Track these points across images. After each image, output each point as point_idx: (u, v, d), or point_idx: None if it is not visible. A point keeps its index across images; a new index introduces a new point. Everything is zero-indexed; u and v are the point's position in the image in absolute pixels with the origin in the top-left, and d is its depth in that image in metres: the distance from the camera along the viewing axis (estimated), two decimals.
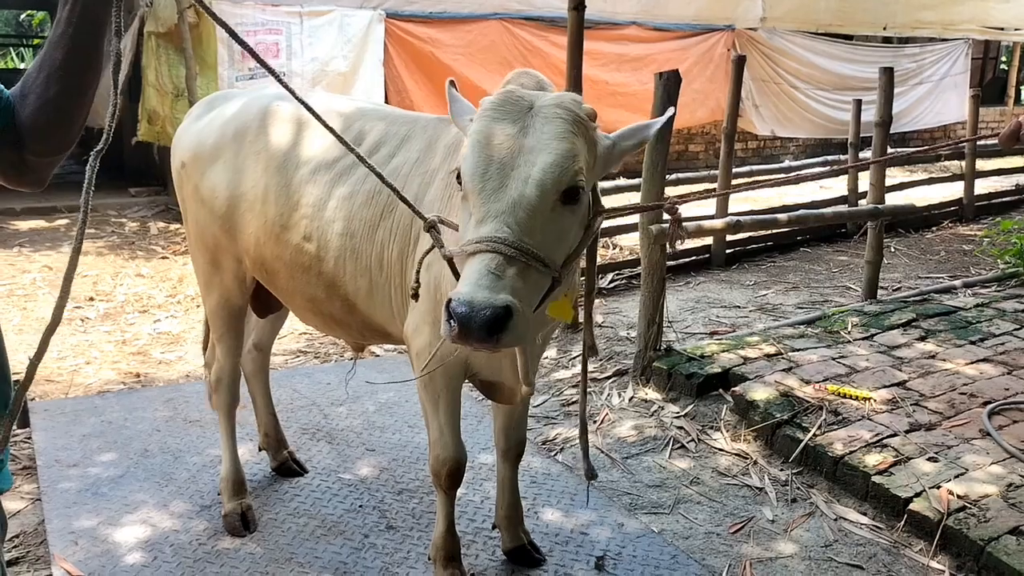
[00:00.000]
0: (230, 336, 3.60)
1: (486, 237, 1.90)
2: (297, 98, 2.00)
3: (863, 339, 5.88)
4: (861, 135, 9.17)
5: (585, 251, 2.31)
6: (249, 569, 3.37)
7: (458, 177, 2.08)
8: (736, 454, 4.63)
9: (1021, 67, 18.86)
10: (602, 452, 4.66)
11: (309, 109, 2.04)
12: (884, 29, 15.35)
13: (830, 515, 4.06)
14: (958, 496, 3.88)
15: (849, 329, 6.04)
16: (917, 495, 3.93)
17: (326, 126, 2.10)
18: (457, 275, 2.16)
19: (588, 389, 4.00)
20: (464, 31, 11.80)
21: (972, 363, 5.40)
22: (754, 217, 6.72)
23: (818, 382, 5.05)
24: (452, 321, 1.82)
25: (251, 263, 3.37)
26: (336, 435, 4.74)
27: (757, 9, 14.20)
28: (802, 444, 4.47)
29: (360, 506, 3.94)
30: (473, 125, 2.11)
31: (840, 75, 15.36)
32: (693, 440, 4.78)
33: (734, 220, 6.10)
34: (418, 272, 2.41)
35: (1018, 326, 6.07)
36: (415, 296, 2.39)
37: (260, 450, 4.21)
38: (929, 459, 4.22)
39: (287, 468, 4.17)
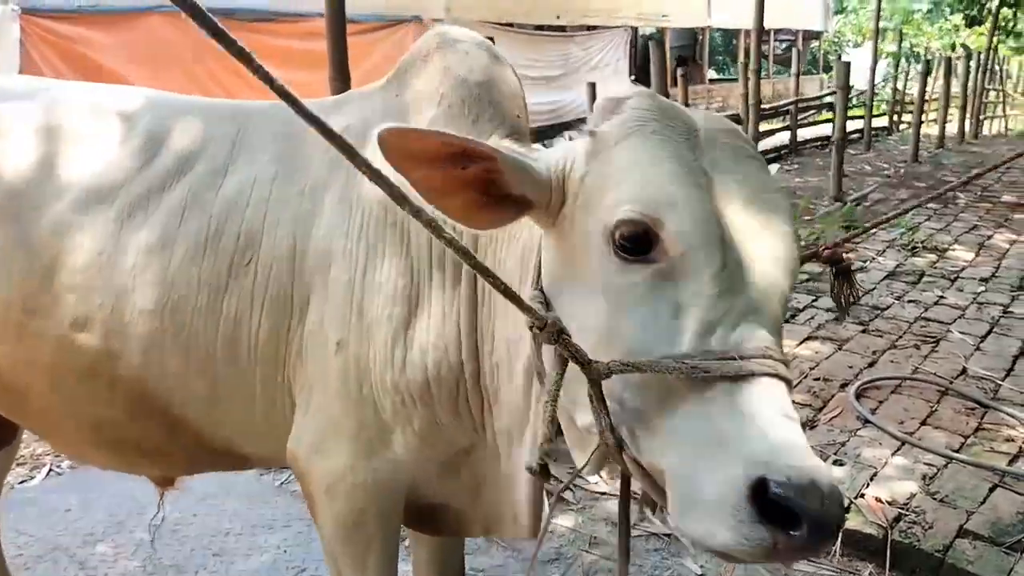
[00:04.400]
0: None
1: (757, 350, 1.19)
2: (301, 108, 1.09)
3: None
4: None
5: None
6: None
7: (616, 232, 1.29)
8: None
9: (673, 53, 20.50)
10: None
11: (319, 124, 1.08)
12: (558, 18, 15.77)
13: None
14: (888, 503, 3.51)
15: None
16: (846, 511, 3.48)
17: (343, 146, 1.06)
18: (599, 398, 1.29)
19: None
20: (123, 28, 10.00)
21: (801, 343, 5.21)
22: None
23: None
24: (794, 529, 1.06)
25: None
26: None
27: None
28: None
29: None
30: (640, 148, 1.33)
31: (521, 64, 15.50)
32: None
33: None
34: (551, 419, 1.32)
35: (814, 296, 6.04)
36: (539, 472, 1.30)
37: None
38: (835, 463, 3.84)
39: None
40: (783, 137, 14.40)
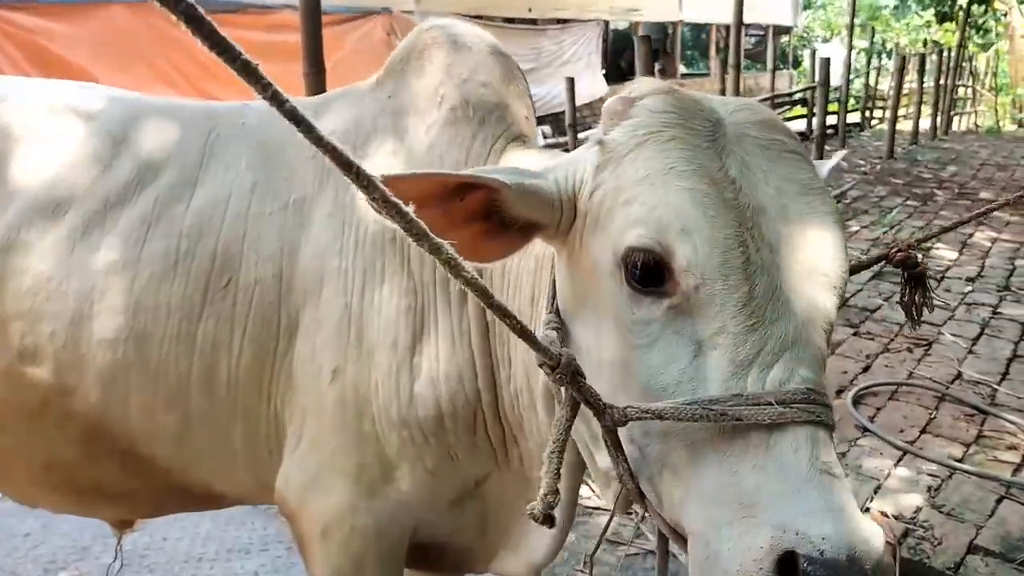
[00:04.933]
0: None
1: (797, 393, 1.02)
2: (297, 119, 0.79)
3: None
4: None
5: None
6: None
7: (627, 260, 1.12)
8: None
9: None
10: None
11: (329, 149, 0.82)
12: (529, 11, 15.59)
13: None
14: (895, 517, 3.38)
15: None
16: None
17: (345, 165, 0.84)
18: (615, 445, 1.14)
19: None
20: (84, 19, 9.63)
21: None
22: None
23: None
24: None
25: None
26: None
27: None
28: None
29: None
30: (653, 159, 1.14)
31: None
32: None
33: None
34: (556, 472, 1.07)
35: None
36: (544, 520, 1.06)
37: None
38: None
39: None
40: None
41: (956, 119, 19.75)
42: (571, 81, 8.50)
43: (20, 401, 1.74)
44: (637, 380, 1.12)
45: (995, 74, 24.70)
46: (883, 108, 20.51)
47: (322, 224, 1.68)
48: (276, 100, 0.74)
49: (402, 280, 1.63)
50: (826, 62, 9.78)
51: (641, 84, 1.24)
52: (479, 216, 1.19)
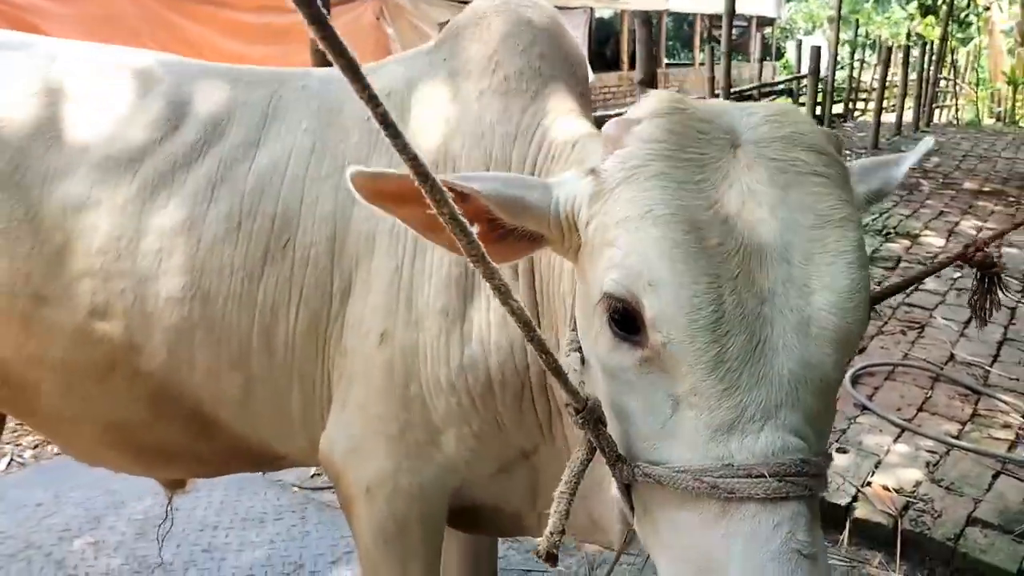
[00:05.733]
0: None
1: (791, 464, 0.95)
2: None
3: None
4: None
5: None
6: None
7: (606, 302, 1.06)
8: None
9: (631, 36, 20.44)
10: None
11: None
12: None
13: None
14: (896, 491, 3.48)
15: None
16: (854, 500, 3.46)
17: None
18: (626, 496, 1.12)
19: None
20: None
21: None
22: None
23: None
24: None
25: None
26: None
27: None
28: None
29: None
30: (634, 200, 1.03)
31: None
32: None
33: None
34: (565, 512, 1.07)
35: None
36: (547, 558, 1.05)
37: None
38: (838, 450, 3.79)
39: None
40: None
41: (937, 112, 19.97)
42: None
43: (89, 360, 1.76)
44: (626, 420, 1.09)
45: (976, 69, 24.98)
46: (866, 100, 20.72)
47: None
48: (372, 102, 0.77)
49: None
50: (816, 51, 9.88)
51: (646, 102, 1.13)
52: (481, 218, 1.12)
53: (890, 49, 16.10)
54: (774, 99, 16.51)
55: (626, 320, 1.02)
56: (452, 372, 1.62)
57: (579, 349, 1.21)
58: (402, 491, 1.71)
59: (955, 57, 23.46)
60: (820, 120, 15.37)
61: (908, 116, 16.45)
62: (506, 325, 1.61)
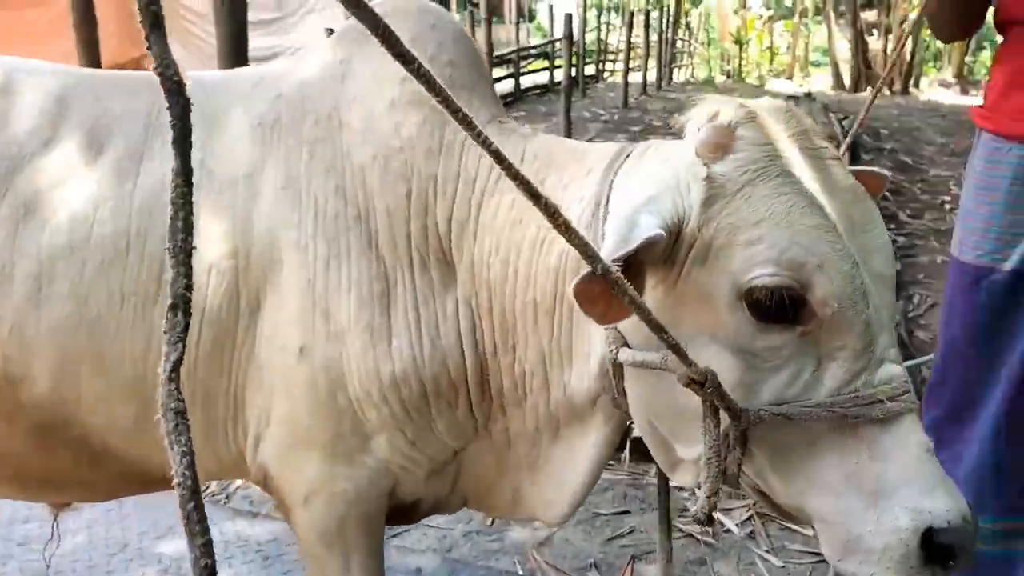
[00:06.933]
0: None
1: (898, 388, 1.22)
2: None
3: None
4: None
5: None
6: None
7: (753, 296, 1.21)
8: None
9: None
10: None
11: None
12: None
13: None
14: None
15: None
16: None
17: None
18: (741, 442, 1.27)
19: None
20: None
21: None
22: None
23: None
24: (952, 560, 1.17)
25: None
26: None
27: None
28: None
29: None
30: (769, 198, 1.22)
31: None
32: None
33: None
34: (718, 475, 1.26)
35: None
36: (705, 521, 1.32)
37: None
38: None
39: None
40: (508, 85, 14.99)
41: (677, 71, 21.71)
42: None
43: None
44: (757, 393, 1.23)
45: (707, 29, 27.32)
46: (614, 61, 22.08)
47: (275, 197, 1.61)
48: (483, 142, 0.79)
49: (371, 263, 1.59)
50: (569, 17, 10.47)
51: (723, 107, 1.29)
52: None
53: (632, 13, 17.26)
54: (531, 63, 17.22)
55: (780, 308, 1.18)
56: (384, 386, 1.60)
57: (624, 345, 1.36)
58: (339, 496, 1.70)
59: (688, 19, 25.52)
60: (575, 82, 16.29)
61: (652, 76, 17.81)
62: (440, 339, 1.61)
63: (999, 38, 2.02)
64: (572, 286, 1.15)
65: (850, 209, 1.25)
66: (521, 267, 1.55)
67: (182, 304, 0.56)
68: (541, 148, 1.64)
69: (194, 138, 1.81)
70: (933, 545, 1.15)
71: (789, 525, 2.93)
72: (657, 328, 1.10)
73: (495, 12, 24.21)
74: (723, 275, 1.22)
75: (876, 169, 1.50)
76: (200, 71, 1.90)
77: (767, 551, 2.97)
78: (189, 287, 0.58)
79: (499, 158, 0.78)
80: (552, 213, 0.87)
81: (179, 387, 0.58)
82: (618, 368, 1.41)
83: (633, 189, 1.35)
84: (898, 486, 1.18)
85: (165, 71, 0.54)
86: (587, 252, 0.96)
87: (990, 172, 1.94)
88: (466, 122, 0.75)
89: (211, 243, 1.59)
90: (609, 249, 1.21)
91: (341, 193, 1.60)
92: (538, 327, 1.55)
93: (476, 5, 22.71)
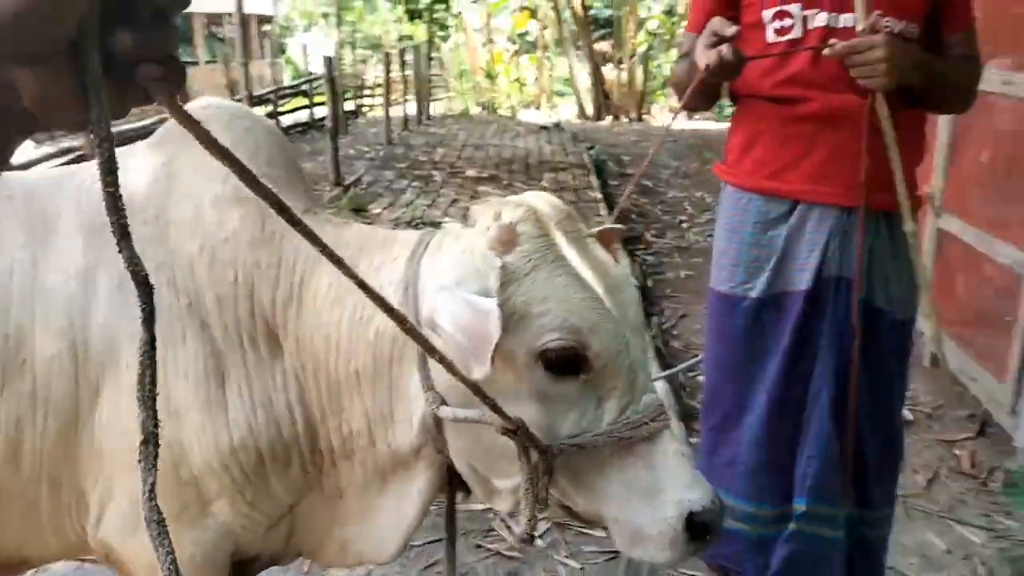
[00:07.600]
0: None
1: (657, 411, 1.54)
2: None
3: None
4: None
5: None
6: None
7: (545, 356, 1.50)
8: None
9: None
10: None
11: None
12: None
13: None
14: None
15: None
16: None
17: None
18: (547, 471, 1.52)
19: None
20: None
21: None
22: None
23: None
24: (708, 535, 1.51)
25: None
26: None
27: None
28: None
29: None
30: (550, 280, 1.52)
31: None
32: None
33: None
34: (534, 505, 1.55)
35: None
36: (529, 540, 1.63)
37: None
38: None
39: None
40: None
41: (435, 105, 22.34)
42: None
43: None
44: (555, 431, 1.50)
45: (459, 63, 28.35)
46: (371, 96, 22.33)
47: (110, 292, 1.67)
48: (304, 231, 0.99)
49: (204, 344, 1.68)
50: (329, 60, 10.60)
51: (504, 208, 1.56)
52: None
53: (388, 54, 17.64)
54: (287, 102, 17.08)
55: (567, 363, 1.47)
56: (223, 456, 1.70)
57: (442, 403, 1.56)
58: (187, 563, 1.75)
59: (439, 55, 26.38)
60: (335, 119, 16.40)
61: (412, 109, 18.25)
62: (272, 408, 1.73)
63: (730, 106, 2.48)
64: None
65: (607, 278, 1.58)
66: (343, 342, 1.72)
67: (152, 439, 0.72)
68: (353, 236, 1.82)
69: (26, 239, 1.79)
70: (695, 525, 1.49)
71: (584, 530, 3.30)
72: (477, 390, 1.35)
73: (245, 49, 23.74)
74: (522, 342, 1.50)
75: (613, 225, 1.86)
76: (26, 173, 1.95)
77: (567, 556, 3.29)
78: (156, 425, 0.72)
79: (320, 244, 0.87)
80: (367, 289, 0.97)
81: (157, 505, 0.73)
82: (439, 422, 1.63)
83: (443, 273, 1.58)
84: (665, 485, 1.52)
85: (135, 268, 0.68)
86: (404, 325, 1.07)
87: (735, 218, 2.38)
88: (287, 214, 0.81)
89: (49, 341, 1.66)
90: (452, 316, 1.48)
91: (172, 285, 1.70)
92: (362, 392, 1.73)
93: (222, 40, 22.11)
